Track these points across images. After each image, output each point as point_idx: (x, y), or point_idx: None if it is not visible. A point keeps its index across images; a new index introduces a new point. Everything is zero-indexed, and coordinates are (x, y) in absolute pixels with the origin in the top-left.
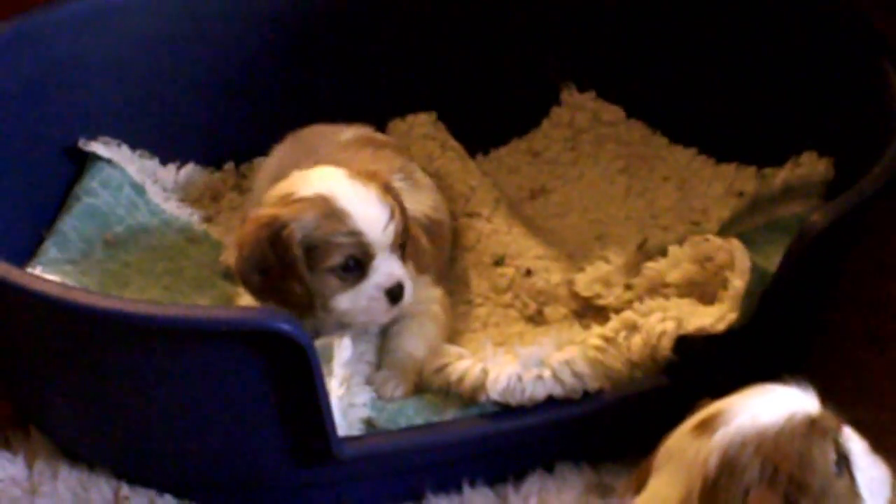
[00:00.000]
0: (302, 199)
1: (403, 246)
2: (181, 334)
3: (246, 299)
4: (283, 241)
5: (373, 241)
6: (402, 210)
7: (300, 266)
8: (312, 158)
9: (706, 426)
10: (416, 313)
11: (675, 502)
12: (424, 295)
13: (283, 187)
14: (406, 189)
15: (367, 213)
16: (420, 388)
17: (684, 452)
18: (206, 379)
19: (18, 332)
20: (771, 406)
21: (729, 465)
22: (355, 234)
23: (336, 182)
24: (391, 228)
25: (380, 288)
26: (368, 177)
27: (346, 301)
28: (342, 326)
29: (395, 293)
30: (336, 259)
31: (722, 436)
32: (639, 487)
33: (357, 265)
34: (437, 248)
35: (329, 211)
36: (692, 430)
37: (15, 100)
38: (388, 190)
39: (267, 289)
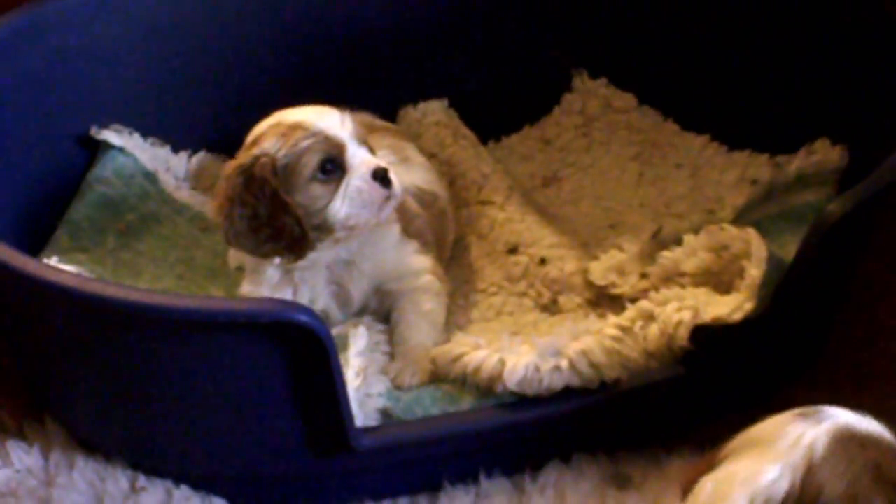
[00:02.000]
0: (258, 135)
1: (364, 137)
2: (199, 325)
3: (246, 287)
4: (256, 179)
5: (336, 135)
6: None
7: (282, 194)
8: None
9: (807, 416)
10: (408, 290)
11: (765, 482)
12: (414, 265)
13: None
14: (395, 163)
15: (318, 115)
16: (436, 376)
17: (781, 437)
18: (223, 370)
19: (35, 322)
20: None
21: (837, 453)
22: (316, 133)
23: (281, 113)
24: (347, 121)
25: (365, 174)
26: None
27: (340, 204)
28: (347, 253)
29: (382, 175)
30: (311, 164)
31: (831, 425)
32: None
33: (333, 164)
34: (436, 225)
35: (284, 129)
36: (791, 418)
37: (27, 88)
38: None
39: (261, 240)
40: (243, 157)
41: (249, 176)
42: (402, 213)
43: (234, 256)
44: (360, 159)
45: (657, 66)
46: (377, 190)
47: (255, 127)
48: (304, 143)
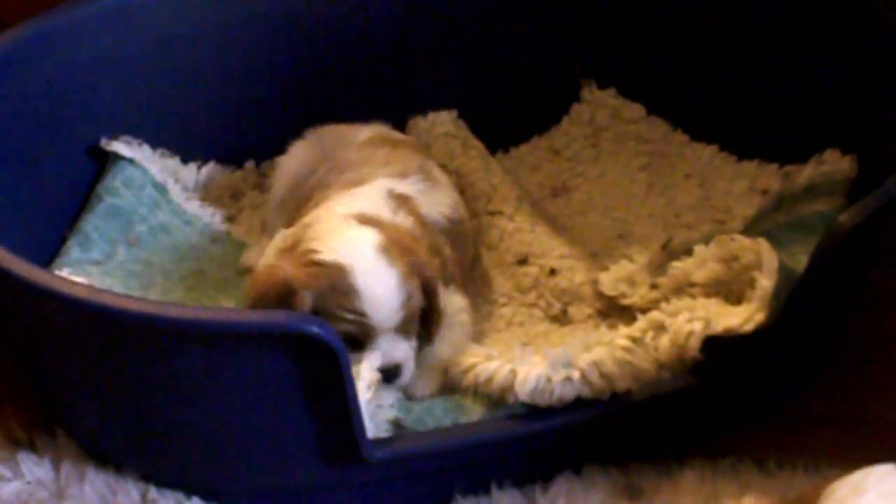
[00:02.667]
0: (319, 264)
1: (412, 321)
2: (211, 337)
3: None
4: (292, 306)
5: (376, 324)
6: (427, 285)
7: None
8: (329, 162)
9: None
10: (444, 324)
11: None
12: (452, 307)
13: (306, 238)
14: (425, 190)
15: (378, 294)
16: (447, 388)
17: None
18: (234, 381)
19: (46, 334)
20: None
21: None
22: (360, 313)
23: (360, 253)
24: (401, 313)
25: (371, 370)
26: (402, 250)
27: None
28: None
29: (389, 373)
30: (336, 329)
31: None
32: None
33: (356, 342)
34: (460, 251)
35: (340, 283)
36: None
37: (36, 99)
38: (414, 268)
39: None
40: (296, 266)
41: (284, 299)
42: (439, 258)
43: (247, 259)
44: (380, 353)
45: (666, 76)
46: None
47: (337, 223)
48: (343, 314)
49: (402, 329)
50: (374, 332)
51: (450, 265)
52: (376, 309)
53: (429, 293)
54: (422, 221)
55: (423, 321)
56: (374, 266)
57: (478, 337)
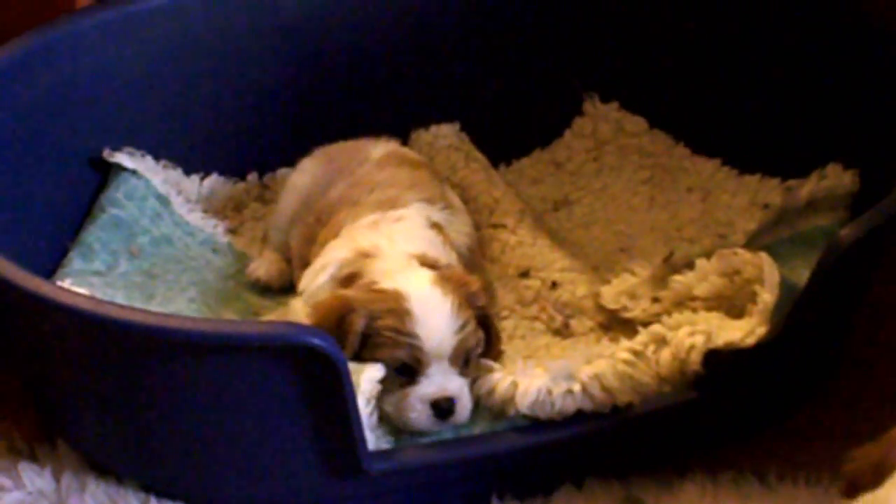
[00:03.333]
0: (379, 290)
1: (466, 355)
2: (212, 349)
3: (275, 314)
4: (345, 323)
5: (429, 350)
6: (483, 316)
7: (349, 353)
8: (347, 178)
9: None
10: None
11: None
12: None
13: (367, 271)
14: (448, 218)
15: (432, 318)
16: None
17: None
18: (236, 393)
19: (48, 344)
20: None
21: None
22: (413, 337)
23: (417, 283)
24: (454, 341)
25: (426, 400)
26: (457, 284)
27: (392, 404)
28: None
29: (442, 407)
30: (387, 357)
31: None
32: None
33: (408, 370)
34: (479, 275)
35: (397, 308)
36: None
37: (39, 110)
38: (468, 301)
39: None
40: (358, 291)
41: (343, 318)
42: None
43: (253, 270)
44: (432, 383)
45: (668, 90)
46: (427, 419)
47: (401, 263)
48: (395, 337)
49: (456, 362)
50: (426, 359)
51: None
52: (429, 333)
53: (485, 323)
54: (457, 253)
55: (485, 352)
56: (429, 294)
57: None
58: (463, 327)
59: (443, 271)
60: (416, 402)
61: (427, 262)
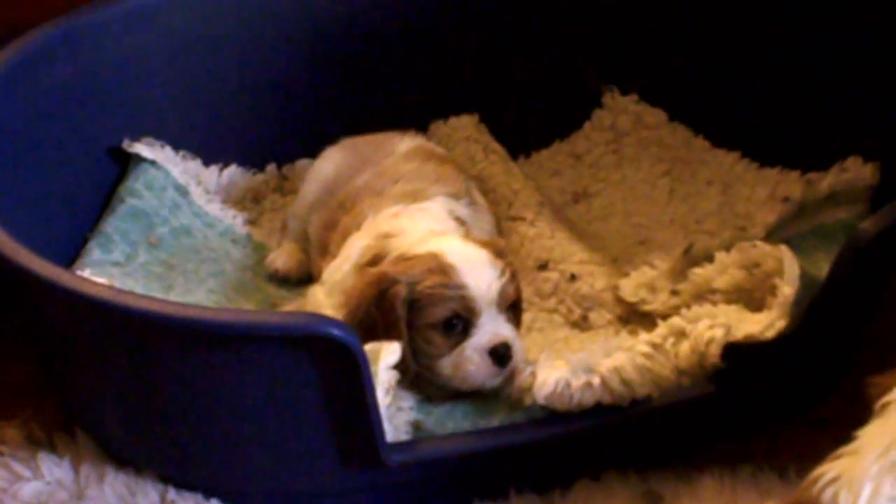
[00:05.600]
0: (413, 257)
1: (515, 308)
2: (231, 339)
3: (293, 305)
4: (388, 299)
5: (477, 297)
6: (515, 274)
7: (402, 325)
8: (372, 168)
9: None
10: None
11: None
12: None
13: (391, 248)
14: (472, 214)
15: (474, 268)
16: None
17: None
18: (255, 383)
19: (67, 335)
20: None
21: None
22: (460, 287)
23: (449, 243)
24: (498, 286)
25: (484, 348)
26: (482, 244)
27: (449, 364)
28: (449, 395)
29: (500, 353)
30: (439, 314)
31: None
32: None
33: (461, 323)
34: None
35: (436, 265)
36: None
37: (59, 101)
38: (500, 254)
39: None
40: (390, 265)
41: (383, 294)
42: None
43: (272, 261)
44: (486, 331)
45: (688, 82)
46: (488, 368)
47: (415, 234)
48: (443, 292)
49: (502, 309)
50: (477, 308)
51: None
52: (476, 280)
53: (515, 275)
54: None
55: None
56: (464, 248)
57: None
58: (503, 274)
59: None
60: (474, 353)
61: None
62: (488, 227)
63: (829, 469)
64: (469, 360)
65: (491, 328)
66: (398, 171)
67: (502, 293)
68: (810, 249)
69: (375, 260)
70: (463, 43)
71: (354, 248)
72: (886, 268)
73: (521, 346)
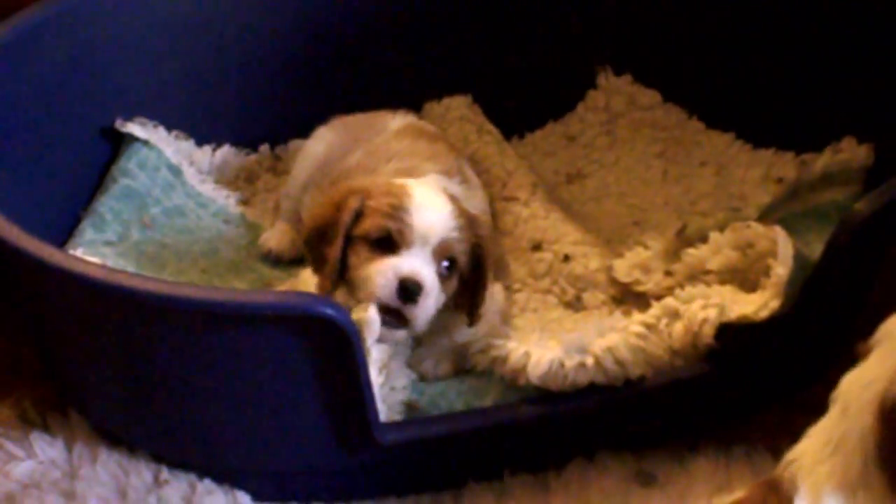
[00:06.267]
0: (386, 182)
1: (452, 266)
2: (225, 318)
3: (286, 285)
4: (342, 203)
5: (415, 229)
6: (479, 247)
7: (340, 231)
8: (364, 146)
9: None
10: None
11: (884, 381)
12: (494, 297)
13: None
14: (463, 193)
15: (426, 207)
16: (462, 369)
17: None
18: (247, 363)
19: (60, 314)
20: None
21: None
22: (404, 211)
23: (423, 185)
24: (442, 233)
25: (396, 272)
26: (455, 202)
27: (363, 275)
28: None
29: (408, 288)
30: (373, 227)
31: None
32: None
33: (391, 245)
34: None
35: (395, 191)
36: None
37: (52, 81)
38: (470, 222)
39: (314, 255)
40: (352, 184)
41: (342, 200)
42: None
43: (266, 241)
44: (407, 261)
45: (682, 63)
46: (392, 292)
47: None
48: (388, 210)
49: (437, 258)
50: (410, 237)
51: None
52: (421, 214)
53: (480, 258)
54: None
55: (470, 293)
56: (433, 192)
57: None
58: (454, 230)
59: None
60: (389, 270)
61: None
62: (481, 204)
63: (792, 452)
64: (381, 274)
65: (414, 263)
66: (390, 150)
67: (443, 241)
68: (804, 230)
69: None
70: (457, 23)
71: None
72: (880, 248)
73: (432, 310)
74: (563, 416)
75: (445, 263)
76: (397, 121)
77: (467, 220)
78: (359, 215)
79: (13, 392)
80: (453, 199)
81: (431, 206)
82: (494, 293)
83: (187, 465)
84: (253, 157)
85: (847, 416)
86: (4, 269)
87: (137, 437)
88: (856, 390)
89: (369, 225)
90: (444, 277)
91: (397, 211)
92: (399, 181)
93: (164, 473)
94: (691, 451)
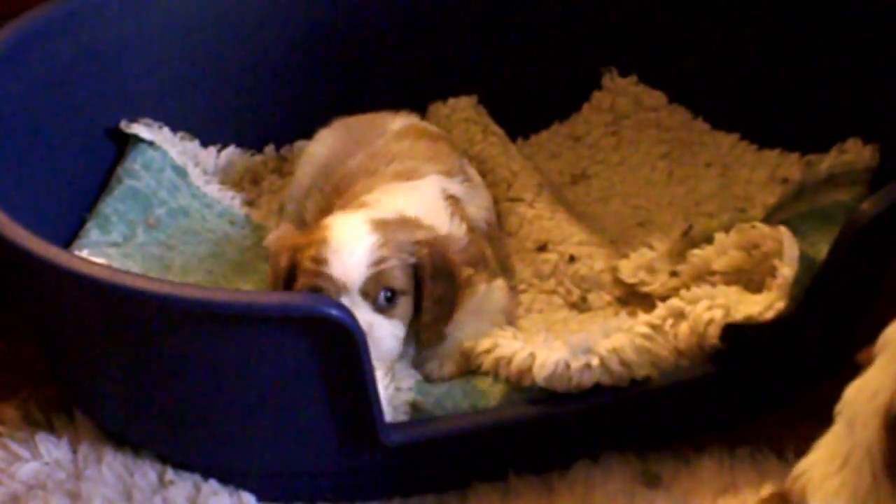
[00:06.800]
0: (320, 228)
1: (394, 297)
2: (230, 319)
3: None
4: (275, 263)
5: (337, 277)
6: (420, 270)
7: (278, 284)
8: (365, 149)
9: None
10: (471, 310)
11: (888, 391)
12: (491, 296)
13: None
14: (467, 191)
15: (345, 249)
16: (467, 370)
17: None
18: (253, 364)
19: (65, 315)
20: None
21: None
22: (323, 263)
23: (347, 220)
24: (365, 273)
25: None
26: (400, 229)
27: None
28: None
29: None
30: (303, 285)
31: None
32: None
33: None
34: (496, 248)
35: (318, 240)
36: None
37: (57, 82)
38: (401, 247)
39: None
40: (293, 238)
41: (278, 253)
42: (482, 262)
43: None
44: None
45: (687, 64)
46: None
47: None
48: (309, 265)
49: (370, 296)
50: (334, 287)
51: (490, 263)
52: (338, 260)
53: (419, 278)
54: (470, 226)
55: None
56: (351, 228)
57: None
58: (379, 262)
59: (396, 223)
60: None
61: (415, 224)
62: (485, 202)
63: (801, 465)
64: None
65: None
66: (391, 152)
67: (370, 280)
68: (809, 231)
69: None
70: (462, 24)
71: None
72: (885, 249)
73: (390, 339)
74: (567, 417)
75: (384, 294)
76: (398, 122)
77: (398, 245)
78: (294, 272)
79: (18, 393)
80: (383, 224)
81: (347, 250)
82: (494, 292)
83: (192, 465)
84: (258, 158)
85: (853, 428)
86: (9, 269)
87: (142, 438)
88: (860, 402)
89: (301, 285)
90: (385, 308)
91: (318, 264)
92: (324, 222)
93: (169, 474)
94: (696, 451)
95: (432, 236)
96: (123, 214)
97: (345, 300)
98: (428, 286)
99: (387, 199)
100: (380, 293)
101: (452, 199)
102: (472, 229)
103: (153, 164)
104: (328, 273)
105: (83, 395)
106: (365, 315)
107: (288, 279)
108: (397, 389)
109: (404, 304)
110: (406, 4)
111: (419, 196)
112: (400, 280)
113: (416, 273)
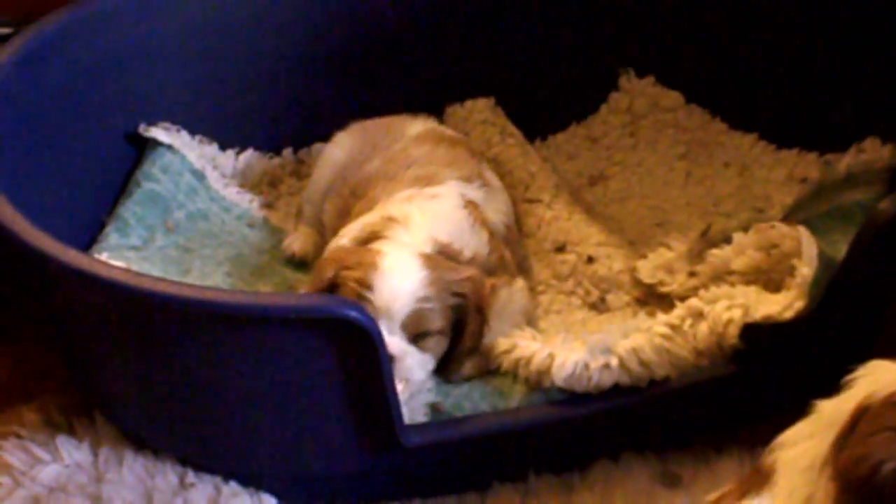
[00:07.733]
0: (367, 249)
1: (427, 336)
2: (250, 321)
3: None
4: (319, 274)
5: (379, 306)
6: (462, 312)
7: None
8: (383, 152)
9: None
10: (494, 313)
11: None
12: (512, 297)
13: (391, 234)
14: (486, 196)
15: (393, 279)
16: (486, 371)
17: None
18: (273, 366)
19: (86, 318)
20: None
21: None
22: (368, 288)
23: (400, 249)
24: (409, 307)
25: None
26: (445, 269)
27: None
28: None
29: None
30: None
31: None
32: None
33: None
34: (514, 251)
35: (369, 262)
36: None
37: (76, 86)
38: (447, 286)
39: None
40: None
41: (325, 265)
42: (503, 268)
43: (289, 245)
44: None
45: (704, 64)
46: None
47: (421, 226)
48: (353, 286)
49: (408, 332)
50: (374, 312)
51: (510, 266)
52: (385, 289)
53: (462, 316)
54: (490, 231)
55: (454, 344)
56: (404, 259)
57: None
58: (425, 301)
59: (442, 261)
60: None
61: (446, 253)
62: (503, 207)
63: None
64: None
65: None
66: (410, 156)
67: (412, 315)
68: (828, 230)
69: (371, 238)
70: (479, 26)
71: (358, 224)
72: None
73: (419, 371)
74: (587, 418)
75: (418, 335)
76: (416, 126)
77: (444, 285)
78: (336, 284)
79: (39, 396)
80: (432, 261)
81: (397, 277)
82: (514, 294)
83: (213, 467)
84: (276, 160)
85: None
86: (29, 273)
87: (163, 441)
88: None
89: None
90: (420, 341)
91: (363, 287)
92: (375, 246)
93: (190, 476)
94: (716, 451)
95: (471, 275)
96: (142, 218)
97: (382, 326)
98: (470, 325)
99: (416, 216)
100: (415, 332)
101: (472, 206)
102: (492, 235)
103: (171, 168)
104: (371, 298)
105: (104, 398)
106: (399, 342)
107: (328, 291)
108: (416, 391)
109: (439, 341)
110: (423, 7)
111: (443, 210)
112: (438, 323)
113: (456, 311)
